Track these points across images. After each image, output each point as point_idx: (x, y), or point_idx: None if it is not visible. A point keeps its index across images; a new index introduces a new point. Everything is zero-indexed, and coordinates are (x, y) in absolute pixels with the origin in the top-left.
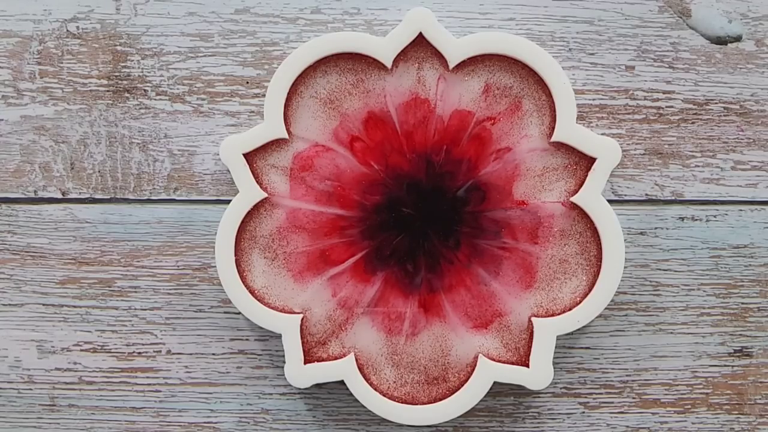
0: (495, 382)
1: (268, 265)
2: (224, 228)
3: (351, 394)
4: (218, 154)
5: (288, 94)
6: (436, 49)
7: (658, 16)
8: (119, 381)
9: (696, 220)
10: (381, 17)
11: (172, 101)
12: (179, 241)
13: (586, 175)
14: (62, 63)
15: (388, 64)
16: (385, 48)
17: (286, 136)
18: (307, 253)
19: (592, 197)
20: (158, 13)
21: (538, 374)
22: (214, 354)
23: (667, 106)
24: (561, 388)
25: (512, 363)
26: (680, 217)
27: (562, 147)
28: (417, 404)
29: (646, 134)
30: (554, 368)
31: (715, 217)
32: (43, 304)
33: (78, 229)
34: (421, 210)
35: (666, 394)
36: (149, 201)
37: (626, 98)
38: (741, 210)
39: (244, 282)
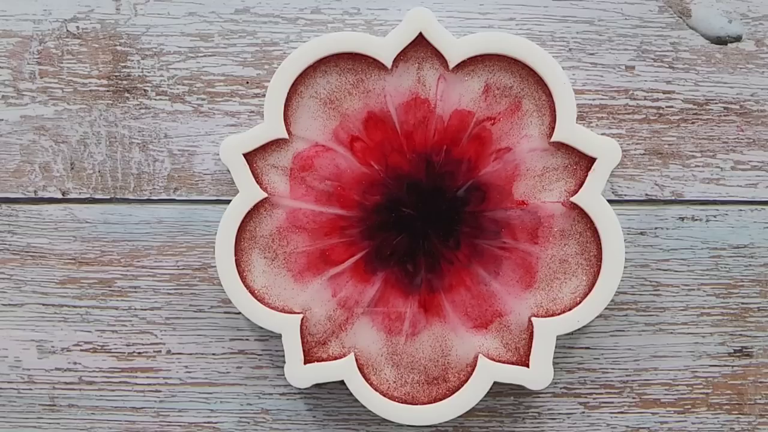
0: (495, 382)
1: (268, 265)
2: (224, 228)
3: (351, 394)
4: (218, 154)
5: (288, 94)
6: (436, 49)
7: (658, 16)
8: (119, 381)
9: (696, 220)
10: (381, 17)
11: (172, 101)
12: (179, 241)
13: (586, 175)
14: (62, 63)
15: (388, 64)
16: (385, 48)
17: (286, 136)
18: (307, 253)
19: (592, 197)
20: (158, 13)
21: (538, 374)
22: (214, 354)
23: (667, 106)
24: (561, 388)
25: (512, 363)
26: (680, 217)
27: (562, 147)
28: (417, 404)
29: (646, 134)
30: (554, 368)
31: (715, 217)
32: (43, 304)
33: (78, 229)
34: (421, 210)
35: (666, 394)
36: (149, 201)
37: (626, 98)
38: (741, 210)
39: (244, 282)
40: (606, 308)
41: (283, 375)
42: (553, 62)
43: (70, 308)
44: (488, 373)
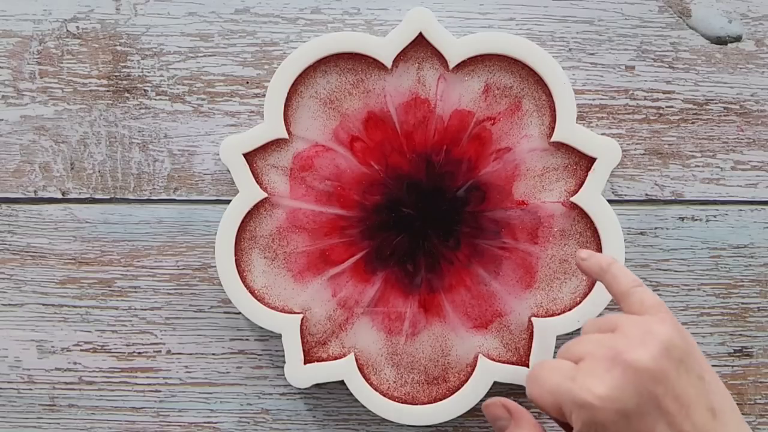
0: (495, 382)
1: (268, 265)
2: (224, 228)
3: (351, 394)
4: (218, 154)
5: (288, 94)
6: (436, 49)
7: (658, 16)
8: (119, 381)
9: (696, 220)
10: (381, 17)
11: (172, 101)
12: (179, 241)
13: (586, 175)
14: (62, 63)
15: (388, 64)
16: (385, 48)
17: (286, 136)
18: (307, 253)
19: (592, 197)
20: (158, 13)
21: None
22: (214, 354)
23: (667, 106)
24: None
25: (512, 363)
26: (680, 217)
27: (562, 147)
28: (417, 404)
29: (646, 134)
30: None
31: (715, 217)
32: (43, 304)
33: (78, 229)
34: (421, 210)
35: None
36: (149, 201)
37: (626, 98)
38: (741, 210)
39: (244, 282)
40: (606, 308)
41: (283, 375)
42: (553, 62)
43: (70, 308)
44: (488, 373)
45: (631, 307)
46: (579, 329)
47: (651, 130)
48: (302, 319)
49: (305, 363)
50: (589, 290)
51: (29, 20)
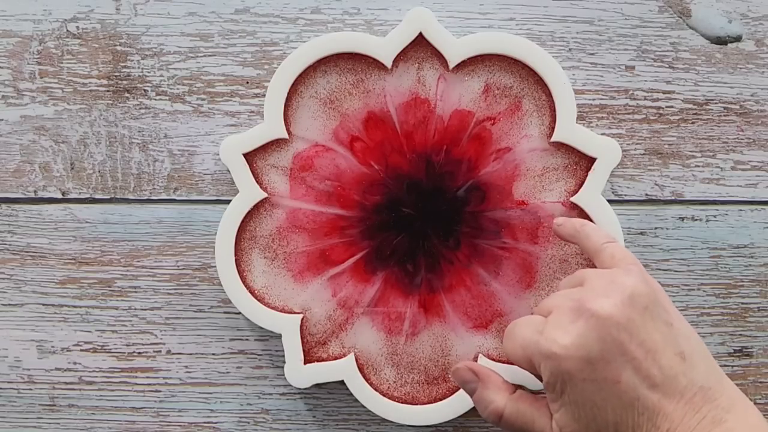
0: None
1: (268, 265)
2: (224, 228)
3: (351, 394)
4: (218, 154)
5: (288, 94)
6: (436, 49)
7: (658, 16)
8: (119, 381)
9: (696, 220)
10: (381, 17)
11: (172, 101)
12: (179, 241)
13: (586, 175)
14: (62, 63)
15: (388, 64)
16: (385, 48)
17: (286, 136)
18: (307, 253)
19: (592, 197)
20: (158, 13)
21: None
22: (214, 354)
23: (667, 106)
24: None
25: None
26: (680, 217)
27: (562, 147)
28: (417, 404)
29: (646, 134)
30: None
31: (715, 217)
32: (43, 304)
33: (78, 229)
34: (421, 210)
35: None
36: (149, 201)
37: (626, 98)
38: (741, 210)
39: (244, 282)
40: None
41: (283, 375)
42: (553, 62)
43: (70, 308)
44: None
45: (603, 263)
46: None
47: (651, 130)
48: (302, 319)
49: (305, 363)
50: None
51: (29, 20)
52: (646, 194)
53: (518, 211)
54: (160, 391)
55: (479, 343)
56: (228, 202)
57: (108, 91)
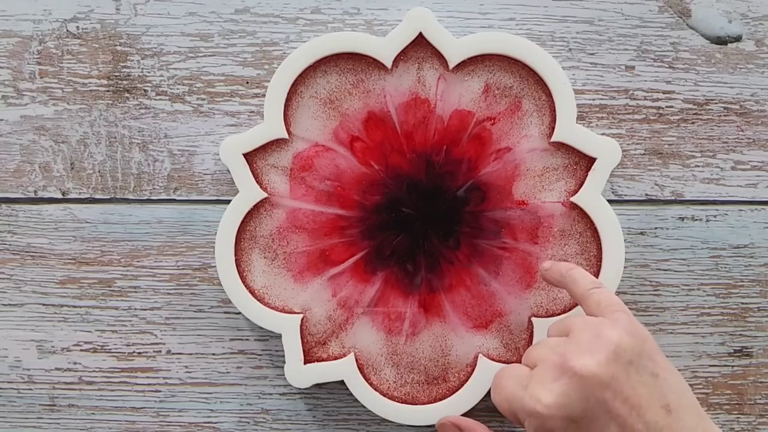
0: None
1: (268, 265)
2: (224, 228)
3: (351, 394)
4: (218, 154)
5: (288, 94)
6: (436, 49)
7: (658, 16)
8: (119, 381)
9: (696, 220)
10: (381, 17)
11: (172, 101)
12: (179, 241)
13: (586, 175)
14: (62, 63)
15: (388, 64)
16: (385, 48)
17: (286, 136)
18: (307, 253)
19: (592, 197)
20: (158, 13)
21: None
22: (214, 354)
23: (667, 106)
24: None
25: (512, 363)
26: (680, 217)
27: (562, 147)
28: (417, 404)
29: (646, 134)
30: None
31: (715, 217)
32: (43, 304)
33: (78, 229)
34: (421, 210)
35: None
36: (149, 201)
37: (626, 98)
38: (741, 210)
39: (244, 282)
40: None
41: (283, 375)
42: (553, 62)
43: (70, 308)
44: (488, 373)
45: (589, 309)
46: None
47: (651, 130)
48: (302, 319)
49: (305, 363)
50: None
51: (29, 20)
52: (646, 194)
53: (518, 211)
54: (160, 391)
55: (479, 343)
56: (228, 202)
57: (108, 91)
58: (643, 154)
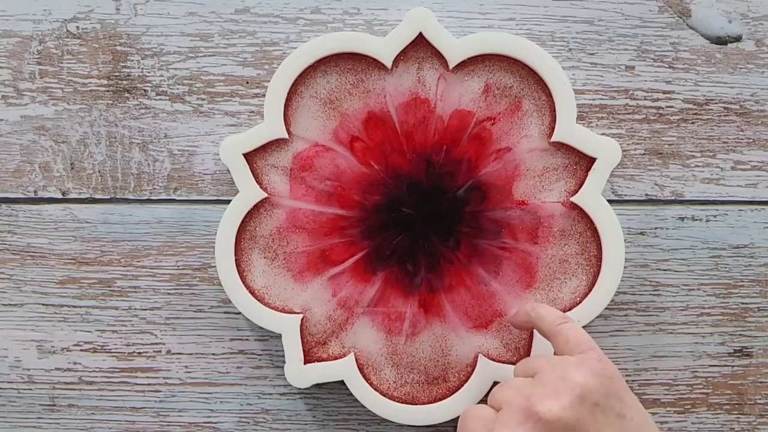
0: (495, 382)
1: (268, 265)
2: (224, 228)
3: (351, 394)
4: (218, 154)
5: (288, 94)
6: (436, 49)
7: (658, 16)
8: (119, 381)
9: (696, 220)
10: (381, 17)
11: (172, 101)
12: (179, 241)
13: (586, 175)
14: (62, 63)
15: (388, 64)
16: (385, 48)
17: (286, 136)
18: (307, 253)
19: (592, 197)
20: (158, 13)
21: None
22: (214, 354)
23: (667, 106)
24: None
25: (512, 363)
26: (680, 217)
27: (562, 147)
28: (417, 404)
29: (646, 134)
30: None
31: (715, 217)
32: (43, 304)
33: (78, 229)
34: (421, 210)
35: (666, 394)
36: (149, 201)
37: (626, 98)
38: (741, 210)
39: (244, 282)
40: (606, 308)
41: (283, 375)
42: (553, 62)
43: (70, 308)
44: (488, 373)
45: (558, 346)
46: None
47: (651, 130)
48: (302, 319)
49: (305, 363)
50: (589, 290)
51: (29, 20)
52: (646, 194)
53: (518, 211)
54: (160, 391)
55: (479, 343)
56: (228, 202)
57: (108, 91)
58: (643, 154)
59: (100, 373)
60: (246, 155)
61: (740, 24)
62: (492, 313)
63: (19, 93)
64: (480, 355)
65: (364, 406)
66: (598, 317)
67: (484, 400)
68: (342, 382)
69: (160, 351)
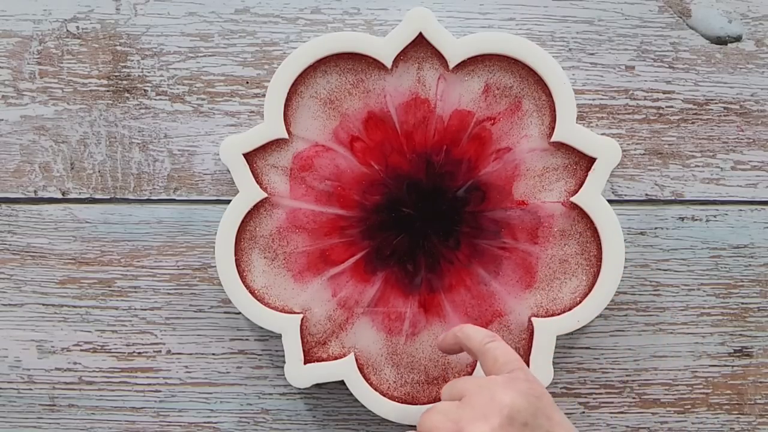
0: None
1: (268, 265)
2: (224, 228)
3: (351, 394)
4: (218, 154)
5: (288, 94)
6: (436, 49)
7: (658, 16)
8: (119, 381)
9: (696, 220)
10: (381, 17)
11: (172, 101)
12: (179, 241)
13: (586, 175)
14: (62, 63)
15: (388, 64)
16: (385, 48)
17: (286, 136)
18: (307, 253)
19: (592, 197)
20: (158, 13)
21: (538, 374)
22: (214, 354)
23: (667, 106)
24: (561, 388)
25: None
26: (680, 217)
27: (562, 147)
28: (417, 404)
29: (646, 134)
30: (554, 368)
31: (715, 217)
32: (43, 304)
33: (78, 229)
34: (421, 210)
35: (666, 394)
36: (149, 201)
37: (626, 98)
38: (741, 210)
39: (244, 282)
40: (606, 308)
41: (283, 375)
42: (553, 62)
43: (70, 308)
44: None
45: (487, 365)
46: (579, 329)
47: (651, 130)
48: (302, 319)
49: (305, 363)
50: (589, 290)
51: (29, 20)
52: (646, 194)
53: (518, 211)
54: (160, 391)
55: None
56: (228, 202)
57: (108, 91)
58: (643, 154)
59: (100, 373)
60: (246, 155)
61: (740, 24)
62: (492, 313)
63: (19, 93)
64: None
65: (364, 406)
66: (598, 317)
67: None
68: (342, 382)
69: (160, 351)
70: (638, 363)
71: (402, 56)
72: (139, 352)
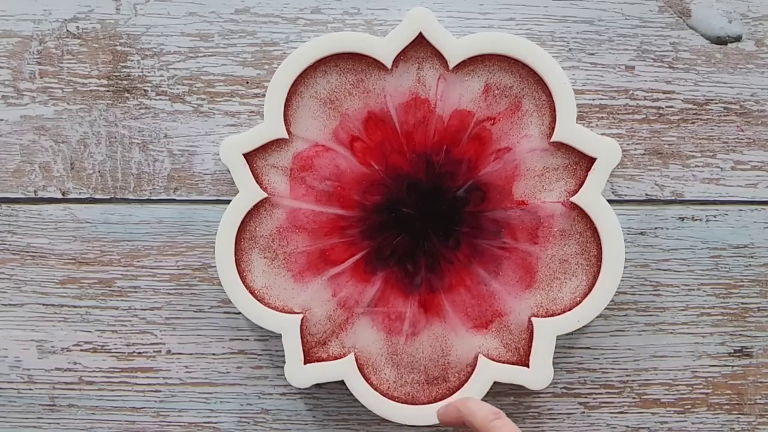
0: (495, 382)
1: (268, 265)
2: (224, 228)
3: (351, 394)
4: (218, 154)
5: (288, 94)
6: (436, 49)
7: (658, 16)
8: (119, 381)
9: (696, 220)
10: (381, 17)
11: (172, 101)
12: (179, 241)
13: (586, 175)
14: (62, 63)
15: (388, 64)
16: (385, 48)
17: (286, 136)
18: (307, 253)
19: (592, 197)
20: (158, 13)
21: (538, 374)
22: (214, 354)
23: (667, 106)
24: (561, 388)
25: (512, 363)
26: (680, 217)
27: (562, 147)
28: (417, 404)
29: (646, 134)
30: (554, 368)
31: (715, 217)
32: (43, 304)
33: (78, 229)
34: (421, 210)
35: (666, 394)
36: (149, 201)
37: (626, 98)
38: (741, 210)
39: (244, 282)
40: (606, 308)
41: (283, 375)
42: (553, 62)
43: (70, 308)
44: (488, 373)
45: None
46: (579, 329)
47: (651, 130)
48: (302, 319)
49: (305, 363)
50: (589, 290)
51: (29, 20)
52: (646, 194)
53: (518, 211)
54: (160, 391)
55: (479, 343)
56: (228, 202)
57: (108, 91)
58: (643, 154)
59: (100, 373)
60: (246, 155)
61: (740, 24)
62: (492, 313)
63: (19, 93)
64: (480, 355)
65: (364, 406)
66: (598, 317)
67: (484, 400)
68: (342, 382)
69: (160, 351)
70: (638, 363)
71: (402, 56)
72: (139, 352)
